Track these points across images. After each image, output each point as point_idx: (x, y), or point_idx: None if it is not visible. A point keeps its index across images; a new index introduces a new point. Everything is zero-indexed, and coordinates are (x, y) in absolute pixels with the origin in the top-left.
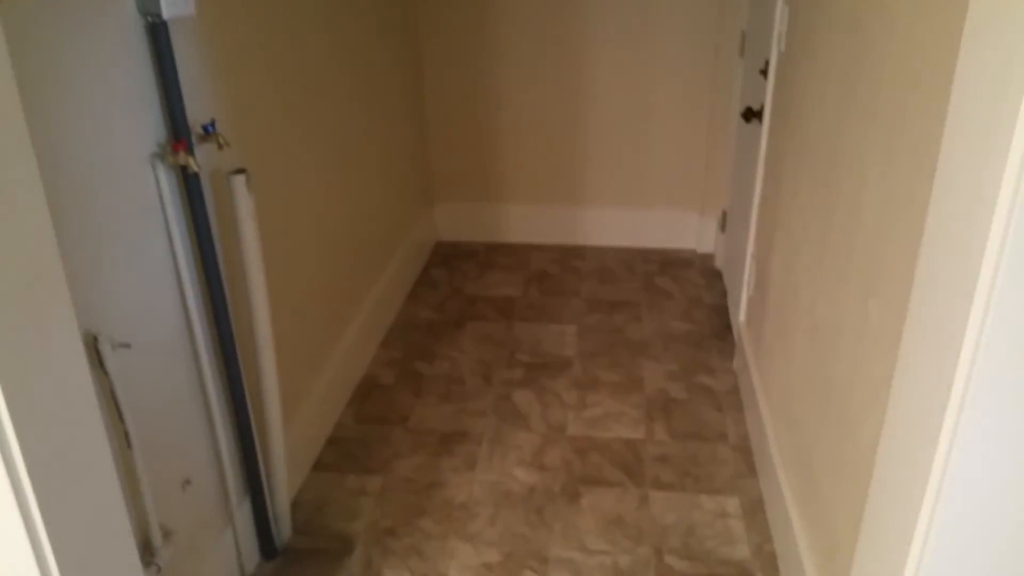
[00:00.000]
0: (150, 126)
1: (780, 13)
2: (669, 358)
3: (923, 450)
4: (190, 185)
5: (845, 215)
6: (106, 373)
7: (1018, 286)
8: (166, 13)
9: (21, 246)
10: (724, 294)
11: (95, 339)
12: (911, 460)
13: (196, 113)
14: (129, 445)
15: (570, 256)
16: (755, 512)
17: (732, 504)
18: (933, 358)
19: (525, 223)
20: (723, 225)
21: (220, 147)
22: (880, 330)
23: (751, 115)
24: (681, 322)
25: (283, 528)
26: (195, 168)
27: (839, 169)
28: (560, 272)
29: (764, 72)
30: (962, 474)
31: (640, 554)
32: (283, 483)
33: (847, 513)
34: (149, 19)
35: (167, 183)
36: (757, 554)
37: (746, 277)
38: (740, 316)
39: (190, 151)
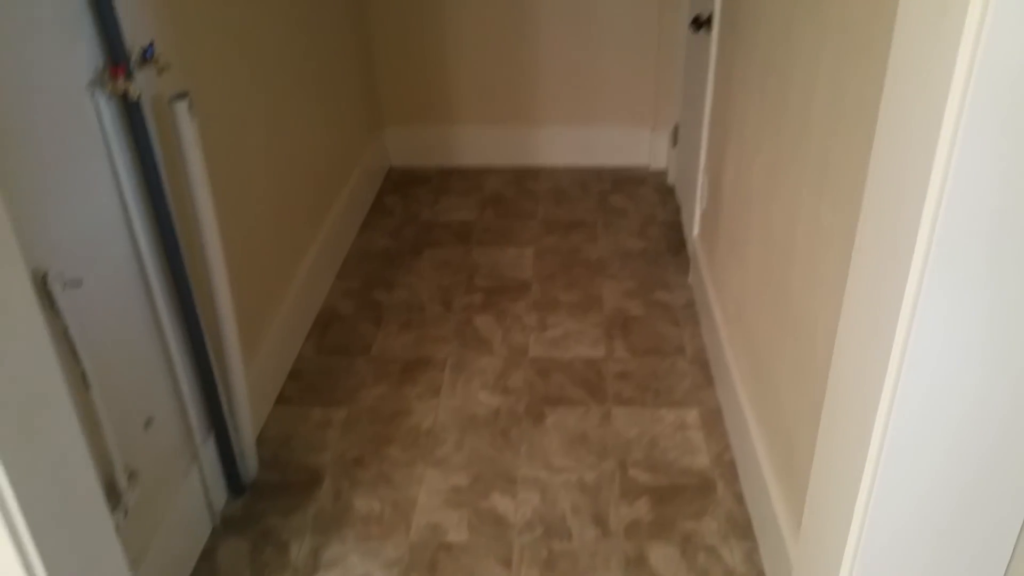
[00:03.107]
0: (85, 52)
1: None
2: (626, 276)
3: (878, 348)
4: (131, 112)
5: (796, 122)
6: (58, 312)
7: (968, 183)
8: None
9: None
10: (677, 210)
11: (44, 277)
12: (866, 359)
13: (133, 36)
14: (87, 386)
15: (524, 177)
16: (714, 422)
17: (691, 416)
18: (886, 256)
19: (478, 145)
20: (675, 140)
21: (160, 71)
22: (832, 234)
23: (700, 24)
24: (636, 239)
25: (250, 464)
26: (135, 94)
27: (789, 76)
28: (515, 194)
29: None
30: (918, 370)
31: (605, 469)
32: (247, 418)
33: (804, 416)
34: None
35: (107, 111)
36: (717, 462)
37: (699, 191)
38: (694, 231)
39: (129, 76)
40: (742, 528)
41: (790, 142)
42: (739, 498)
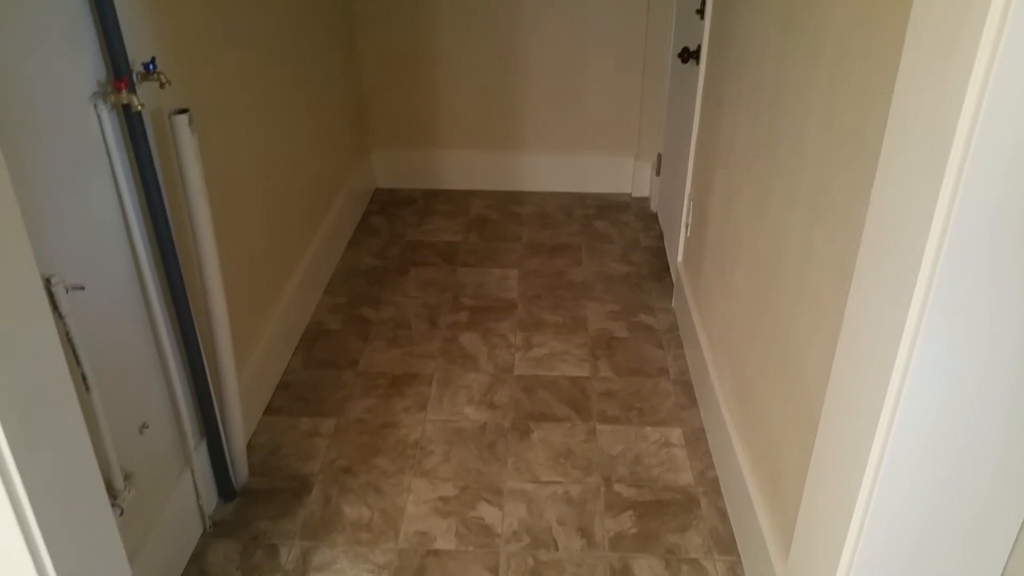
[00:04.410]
0: (89, 65)
1: None
2: (610, 299)
3: (876, 378)
4: (133, 125)
5: (789, 150)
6: (61, 316)
7: (974, 215)
8: None
9: None
10: (660, 236)
11: (48, 281)
12: (864, 389)
13: (136, 51)
14: (88, 388)
15: (509, 201)
16: (697, 441)
17: (675, 434)
18: (888, 285)
19: (463, 169)
20: (658, 169)
21: (162, 85)
22: (824, 259)
23: (688, 55)
24: (620, 264)
25: (240, 470)
26: (138, 106)
27: (782, 105)
28: (500, 217)
29: (700, 12)
30: (916, 402)
31: (590, 483)
32: (238, 425)
33: (791, 436)
34: None
35: (109, 123)
36: (700, 479)
37: (684, 218)
38: (678, 256)
39: (132, 89)
40: (725, 543)
41: (782, 172)
42: (722, 514)
